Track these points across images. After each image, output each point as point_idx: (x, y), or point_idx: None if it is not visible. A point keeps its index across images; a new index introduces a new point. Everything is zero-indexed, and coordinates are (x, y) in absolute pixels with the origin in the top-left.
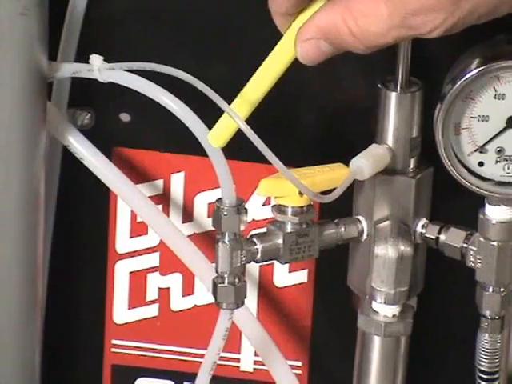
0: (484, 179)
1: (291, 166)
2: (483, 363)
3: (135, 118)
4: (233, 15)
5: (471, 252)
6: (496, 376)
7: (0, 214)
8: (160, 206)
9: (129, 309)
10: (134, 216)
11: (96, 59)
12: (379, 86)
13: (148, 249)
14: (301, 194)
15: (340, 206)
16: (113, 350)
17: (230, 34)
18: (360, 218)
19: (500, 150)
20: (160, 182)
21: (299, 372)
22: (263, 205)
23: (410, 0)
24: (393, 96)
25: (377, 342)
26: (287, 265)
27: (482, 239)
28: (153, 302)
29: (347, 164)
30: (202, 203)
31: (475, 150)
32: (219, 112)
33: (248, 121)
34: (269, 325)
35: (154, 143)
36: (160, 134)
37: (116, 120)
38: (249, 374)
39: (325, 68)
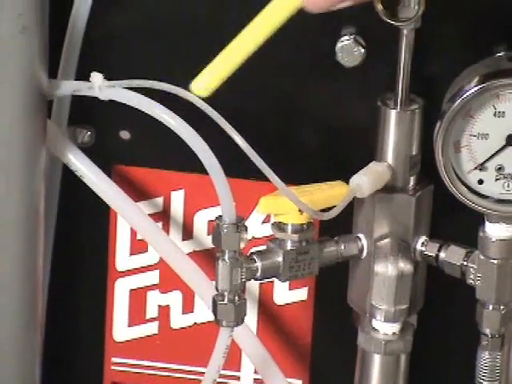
0: (484, 197)
1: (291, 183)
2: (483, 381)
3: (135, 135)
4: (232, 33)
5: (471, 270)
6: None
7: (0, 230)
8: (160, 224)
9: (129, 326)
10: (134, 234)
11: (96, 77)
12: (379, 103)
13: (148, 266)
14: (301, 211)
15: (340, 223)
16: (113, 367)
17: None
18: (360, 235)
19: (500, 168)
20: (160, 200)
21: None
22: (263, 222)
23: None
24: (392, 114)
25: (377, 360)
26: (287, 282)
27: (481, 257)
28: (153, 319)
29: (347, 181)
30: (201, 221)
31: (475, 168)
32: (219, 128)
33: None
34: (269, 342)
35: (154, 161)
36: (160, 151)
37: (116, 138)
38: None
39: (325, 86)
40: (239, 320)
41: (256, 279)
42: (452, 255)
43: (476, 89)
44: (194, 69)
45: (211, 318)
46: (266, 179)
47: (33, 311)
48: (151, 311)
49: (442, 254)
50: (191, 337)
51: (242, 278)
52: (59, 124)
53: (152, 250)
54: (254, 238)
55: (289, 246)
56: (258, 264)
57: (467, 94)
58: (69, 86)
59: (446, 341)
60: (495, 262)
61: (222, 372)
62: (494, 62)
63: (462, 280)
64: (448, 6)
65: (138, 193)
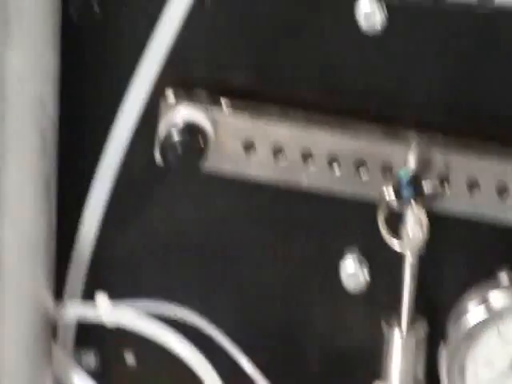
0: None
1: None
2: None
3: (141, 360)
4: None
5: None
6: None
7: None
8: None
9: None
10: None
11: (102, 301)
12: (383, 325)
13: None
14: None
15: None
16: None
17: (232, 264)
18: None
19: None
20: None
21: None
22: None
23: None
24: (397, 336)
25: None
26: None
27: None
28: None
29: None
30: None
31: None
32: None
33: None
34: None
35: None
36: (167, 378)
37: (122, 362)
38: None
39: (330, 307)
40: None
41: None
42: None
43: (479, 312)
44: (201, 287)
45: None
46: None
47: None
48: None
49: None
50: None
51: None
52: (64, 347)
53: None
54: None
55: None
56: None
57: (470, 317)
58: (74, 312)
59: None
60: None
61: None
62: (497, 284)
63: None
64: (451, 233)
65: None
